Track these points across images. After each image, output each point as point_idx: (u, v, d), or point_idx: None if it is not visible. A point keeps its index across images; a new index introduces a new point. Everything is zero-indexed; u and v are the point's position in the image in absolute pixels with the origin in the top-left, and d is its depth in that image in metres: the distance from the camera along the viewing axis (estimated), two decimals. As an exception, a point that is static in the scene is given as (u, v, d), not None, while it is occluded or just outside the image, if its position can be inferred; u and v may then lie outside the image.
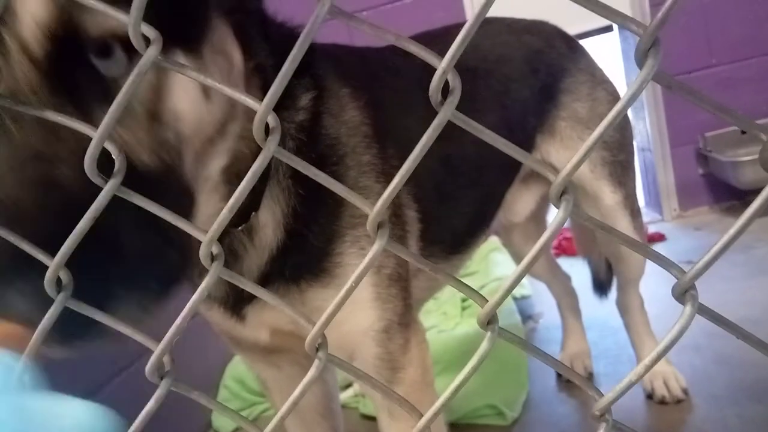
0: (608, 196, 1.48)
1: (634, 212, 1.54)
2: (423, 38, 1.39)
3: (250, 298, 0.87)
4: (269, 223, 0.83)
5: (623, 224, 1.50)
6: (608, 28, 3.34)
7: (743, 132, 3.03)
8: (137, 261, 0.56)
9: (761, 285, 2.12)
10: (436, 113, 0.36)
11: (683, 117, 3.12)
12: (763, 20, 2.99)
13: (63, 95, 0.54)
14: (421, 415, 0.43)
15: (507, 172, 1.43)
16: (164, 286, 0.60)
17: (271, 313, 0.88)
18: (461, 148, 1.19)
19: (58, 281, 0.44)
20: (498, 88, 1.36)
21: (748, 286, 2.12)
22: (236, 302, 0.89)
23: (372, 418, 1.76)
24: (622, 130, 1.53)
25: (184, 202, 0.65)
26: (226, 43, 0.71)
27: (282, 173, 0.82)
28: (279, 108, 0.57)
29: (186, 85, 0.62)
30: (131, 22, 0.37)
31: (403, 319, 0.94)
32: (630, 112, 2.55)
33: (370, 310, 0.90)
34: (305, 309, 0.85)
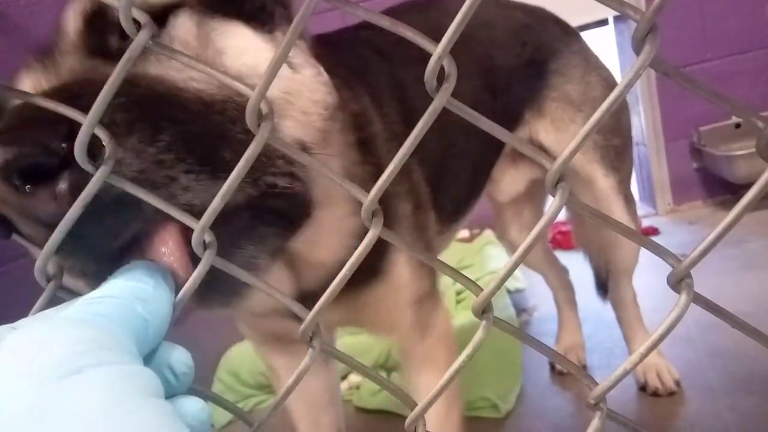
0: (601, 179, 1.48)
1: (628, 198, 1.53)
2: (411, 7, 1.40)
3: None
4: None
5: (617, 209, 1.50)
6: (603, 22, 3.33)
7: (737, 126, 3.04)
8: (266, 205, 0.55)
9: (755, 278, 2.13)
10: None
11: (677, 111, 3.13)
12: (759, 14, 2.99)
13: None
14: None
15: (495, 140, 1.44)
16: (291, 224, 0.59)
17: (338, 308, 0.91)
18: (455, 116, 1.21)
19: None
20: (479, 52, 1.36)
21: (741, 279, 2.13)
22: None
23: (366, 411, 1.76)
24: (618, 114, 1.52)
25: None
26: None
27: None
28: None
29: (256, 43, 0.61)
30: (121, 5, 0.37)
31: (431, 286, 1.02)
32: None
33: (409, 285, 0.96)
34: (357, 304, 0.90)
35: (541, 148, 1.43)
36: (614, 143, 1.49)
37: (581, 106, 1.43)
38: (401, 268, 0.93)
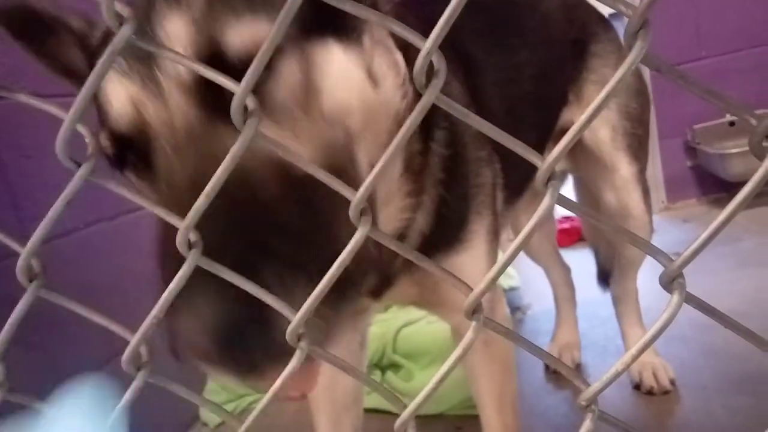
0: (625, 167, 1.48)
1: (645, 189, 1.54)
2: None
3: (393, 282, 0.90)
4: (423, 211, 0.86)
5: (636, 198, 1.50)
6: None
7: (731, 124, 3.05)
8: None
9: (748, 277, 2.13)
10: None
11: (672, 109, 3.13)
12: (753, 12, 2.99)
13: (215, 113, 0.52)
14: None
15: (550, 115, 1.43)
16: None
17: (406, 291, 0.92)
18: (521, 89, 1.22)
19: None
20: (540, 22, 1.38)
21: (735, 278, 2.13)
22: (380, 288, 0.90)
23: (373, 411, 1.76)
24: (643, 105, 1.53)
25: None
26: (383, 34, 0.67)
27: (434, 166, 0.85)
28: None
29: (348, 73, 0.58)
30: (104, 0, 0.36)
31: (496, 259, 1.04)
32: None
33: (484, 264, 0.97)
34: (433, 280, 0.89)
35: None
36: (639, 132, 1.49)
37: (615, 92, 1.43)
38: (481, 240, 0.94)
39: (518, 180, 1.27)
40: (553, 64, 1.38)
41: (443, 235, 0.90)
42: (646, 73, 3.11)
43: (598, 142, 1.46)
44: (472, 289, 0.38)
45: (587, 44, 1.47)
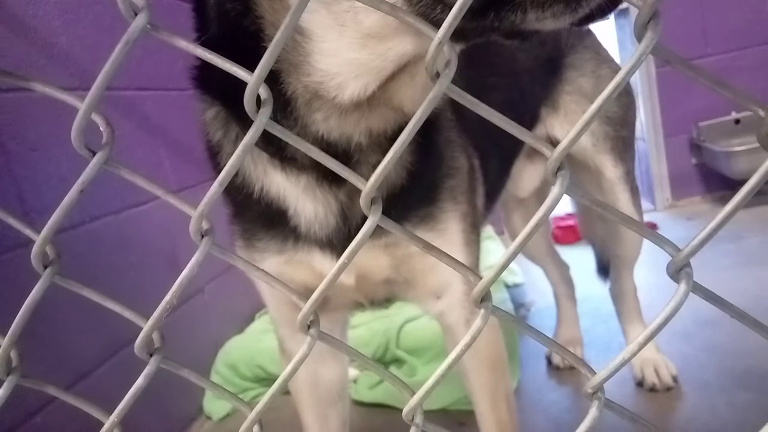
0: (610, 170, 1.49)
1: (634, 189, 1.54)
2: None
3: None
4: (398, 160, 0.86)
5: (623, 200, 1.51)
6: (603, 17, 3.32)
7: (737, 122, 3.04)
8: None
9: (752, 274, 2.13)
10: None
11: (677, 107, 3.13)
12: (759, 10, 2.98)
13: None
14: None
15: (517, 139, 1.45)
16: None
17: (369, 255, 0.90)
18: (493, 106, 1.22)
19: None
20: (507, 56, 1.37)
21: (738, 275, 2.13)
22: (341, 241, 0.87)
23: (363, 404, 1.77)
24: (625, 107, 1.53)
25: None
26: None
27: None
28: None
29: None
30: (119, -10, 0.37)
31: (479, 257, 1.05)
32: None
33: (461, 253, 0.97)
34: (405, 252, 0.90)
35: (556, 143, 1.43)
36: (623, 135, 1.50)
37: (593, 98, 1.43)
38: (450, 218, 0.93)
39: (489, 188, 1.28)
40: (520, 96, 1.38)
41: (417, 197, 0.90)
42: (651, 70, 3.12)
43: (580, 149, 1.47)
44: (480, 277, 0.38)
45: (561, 57, 1.47)
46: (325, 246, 0.87)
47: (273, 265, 0.90)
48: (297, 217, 0.84)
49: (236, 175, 0.83)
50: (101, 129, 0.39)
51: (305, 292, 0.42)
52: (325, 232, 0.85)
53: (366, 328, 1.97)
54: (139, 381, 0.43)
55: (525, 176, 1.62)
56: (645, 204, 3.35)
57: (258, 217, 0.89)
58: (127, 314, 0.43)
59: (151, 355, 0.43)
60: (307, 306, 0.41)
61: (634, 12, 3.03)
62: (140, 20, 0.37)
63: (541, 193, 1.78)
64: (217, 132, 0.85)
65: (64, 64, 1.44)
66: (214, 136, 0.85)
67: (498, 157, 1.33)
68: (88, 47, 1.52)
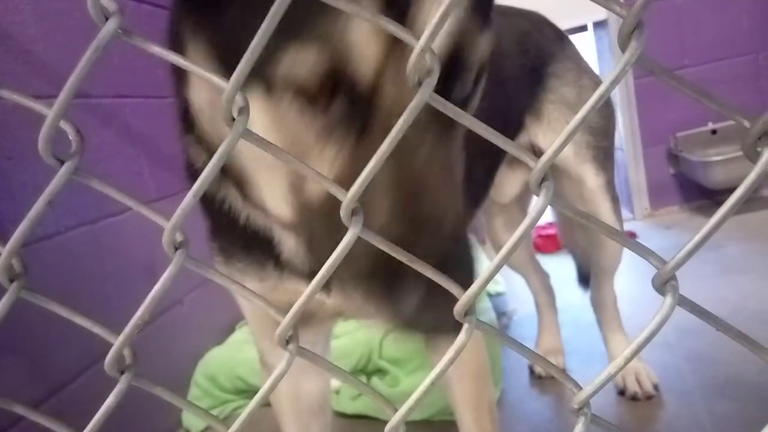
0: (591, 179, 1.50)
1: (615, 199, 1.56)
2: None
3: None
4: None
5: (605, 209, 1.52)
6: (582, 28, 3.36)
7: (713, 132, 3.08)
8: None
9: (732, 283, 2.15)
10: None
11: (655, 117, 3.16)
12: (737, 21, 3.03)
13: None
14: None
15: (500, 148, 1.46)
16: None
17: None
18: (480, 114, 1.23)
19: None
20: (493, 64, 1.37)
21: (719, 284, 2.15)
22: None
23: (346, 416, 1.75)
24: (606, 117, 1.55)
25: None
26: None
27: None
28: None
29: None
30: (90, -7, 0.35)
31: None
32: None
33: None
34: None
35: (540, 152, 1.44)
36: (603, 145, 1.51)
37: (575, 108, 1.45)
38: None
39: (473, 195, 1.29)
40: (506, 104, 1.38)
41: None
42: (630, 81, 3.16)
43: (562, 158, 1.48)
44: (464, 290, 0.37)
45: (544, 66, 1.48)
46: (309, 274, 0.85)
47: (254, 285, 0.88)
48: (281, 245, 0.82)
49: (217, 193, 0.80)
50: (70, 138, 0.38)
51: (286, 309, 0.41)
52: (309, 263, 0.83)
53: (349, 338, 1.95)
54: (110, 399, 0.41)
55: (507, 184, 1.62)
56: (624, 213, 3.38)
57: (239, 239, 0.86)
58: (97, 330, 0.41)
59: (122, 373, 0.41)
60: (285, 321, 0.39)
61: (612, 23, 3.06)
62: (111, 25, 0.36)
63: (521, 201, 1.79)
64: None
65: (41, 72, 1.41)
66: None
67: (482, 165, 1.33)
68: (65, 55, 1.49)
